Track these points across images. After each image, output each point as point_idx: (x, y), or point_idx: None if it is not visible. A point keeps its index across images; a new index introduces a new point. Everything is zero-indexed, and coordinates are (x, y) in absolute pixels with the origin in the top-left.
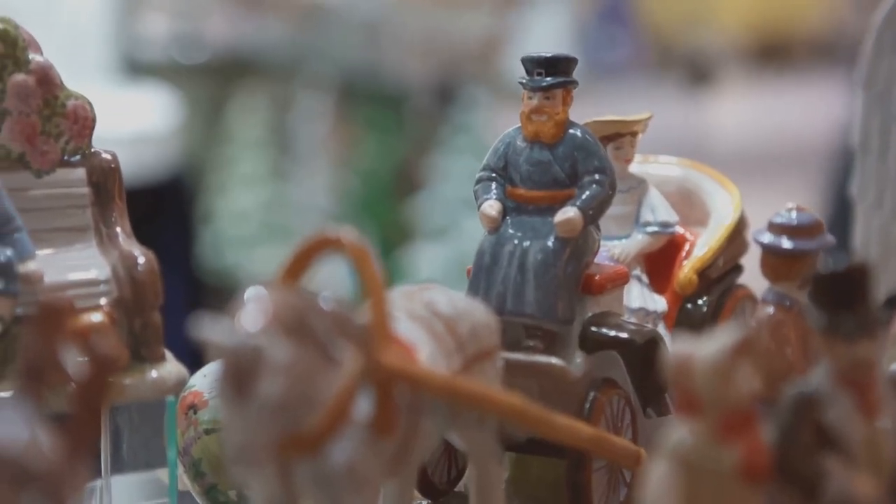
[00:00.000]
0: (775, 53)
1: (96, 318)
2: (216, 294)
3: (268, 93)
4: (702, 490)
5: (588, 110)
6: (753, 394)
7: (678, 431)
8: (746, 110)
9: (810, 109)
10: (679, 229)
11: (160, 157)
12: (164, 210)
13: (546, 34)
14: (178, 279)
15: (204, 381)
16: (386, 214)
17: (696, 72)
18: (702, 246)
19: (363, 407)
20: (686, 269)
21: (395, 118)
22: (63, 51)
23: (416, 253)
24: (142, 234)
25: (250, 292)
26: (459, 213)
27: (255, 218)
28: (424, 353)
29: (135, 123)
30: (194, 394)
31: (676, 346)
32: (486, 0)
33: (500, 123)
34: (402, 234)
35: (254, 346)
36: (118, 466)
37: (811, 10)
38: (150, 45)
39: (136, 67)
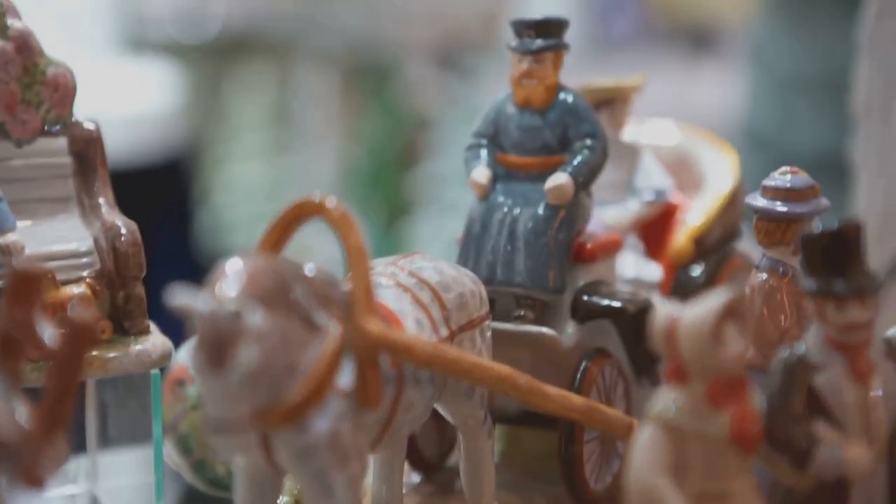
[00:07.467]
0: None
1: (78, 290)
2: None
3: (270, 69)
4: (689, 454)
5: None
6: (742, 358)
7: (665, 396)
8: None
9: None
10: (674, 196)
11: (162, 135)
12: (163, 190)
13: (548, 3)
14: (176, 260)
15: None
16: (391, 188)
17: (701, 41)
18: (698, 213)
19: (346, 377)
20: (681, 238)
21: (398, 90)
22: (66, 27)
23: (419, 225)
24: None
25: (229, 262)
26: (461, 186)
27: (258, 196)
28: (410, 322)
29: (137, 101)
30: (181, 368)
31: (662, 310)
32: None
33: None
34: (407, 207)
35: (231, 311)
36: (104, 441)
37: None
38: (154, 23)
39: (140, 45)
